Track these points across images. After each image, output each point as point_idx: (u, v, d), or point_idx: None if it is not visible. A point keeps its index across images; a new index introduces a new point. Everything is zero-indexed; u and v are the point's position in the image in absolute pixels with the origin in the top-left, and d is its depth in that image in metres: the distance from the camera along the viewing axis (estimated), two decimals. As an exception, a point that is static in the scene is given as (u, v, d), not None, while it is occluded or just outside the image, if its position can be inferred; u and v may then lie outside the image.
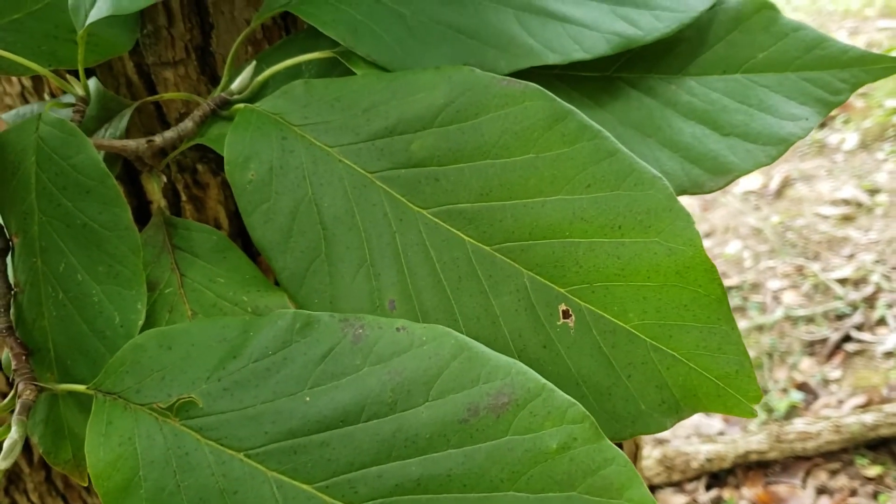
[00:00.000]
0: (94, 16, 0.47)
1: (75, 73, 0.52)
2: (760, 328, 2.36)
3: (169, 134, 0.50)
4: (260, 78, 0.51)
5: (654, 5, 0.49)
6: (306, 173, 0.45)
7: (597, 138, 0.43)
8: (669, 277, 0.42)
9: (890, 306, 2.30)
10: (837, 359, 2.23)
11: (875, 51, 0.53)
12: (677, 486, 2.03)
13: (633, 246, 0.42)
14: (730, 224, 2.76)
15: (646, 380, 0.42)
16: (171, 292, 0.48)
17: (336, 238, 0.44)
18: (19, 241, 0.47)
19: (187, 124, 0.50)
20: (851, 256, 2.50)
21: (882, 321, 2.28)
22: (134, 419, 0.41)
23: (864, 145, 2.92)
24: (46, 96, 0.62)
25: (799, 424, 2.03)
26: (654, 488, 2.01)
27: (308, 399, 0.40)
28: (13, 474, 0.75)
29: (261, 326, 0.41)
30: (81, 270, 0.46)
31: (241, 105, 0.48)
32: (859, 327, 2.29)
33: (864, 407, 2.07)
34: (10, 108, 0.63)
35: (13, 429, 0.42)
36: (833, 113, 2.95)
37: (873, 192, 2.71)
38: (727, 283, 2.50)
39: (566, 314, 0.42)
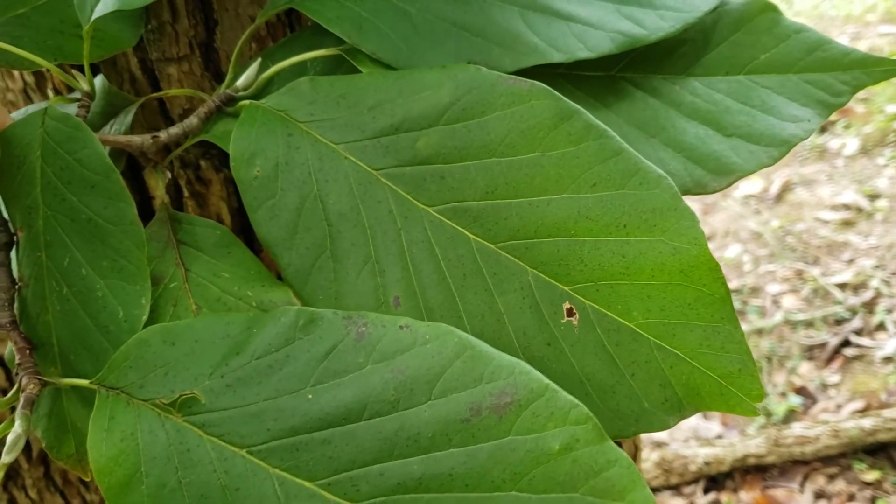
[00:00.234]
0: (99, 11, 0.47)
1: (80, 69, 0.52)
2: (760, 332, 2.36)
3: (174, 130, 0.50)
4: (265, 75, 0.51)
5: (659, 5, 0.49)
6: (312, 170, 0.45)
7: (602, 137, 0.43)
8: (674, 276, 0.42)
9: (889, 311, 2.30)
10: (836, 363, 2.23)
11: (876, 55, 0.53)
12: (675, 489, 2.03)
13: (637, 245, 0.42)
14: (730, 228, 2.76)
15: (649, 378, 0.42)
16: (176, 287, 0.48)
17: (341, 235, 0.44)
18: (24, 236, 0.47)
19: (192, 121, 0.50)
20: (851, 261, 2.50)
21: (881, 326, 2.28)
22: (136, 414, 0.41)
23: (865, 150, 2.92)
24: (50, 92, 0.62)
25: (797, 428, 2.03)
26: (652, 491, 2.00)
27: (310, 396, 0.40)
28: (12, 470, 0.75)
29: (264, 323, 0.41)
30: (86, 265, 0.46)
31: (247, 102, 0.48)
32: (858, 332, 2.29)
33: (863, 412, 2.07)
34: (13, 103, 0.63)
35: (17, 423, 0.42)
36: (834, 118, 2.96)
37: (873, 197, 2.71)
38: (727, 286, 2.50)
39: (570, 312, 0.42)
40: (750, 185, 2.91)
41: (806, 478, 1.98)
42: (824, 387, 2.18)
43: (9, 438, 0.41)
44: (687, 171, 0.50)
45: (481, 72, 0.45)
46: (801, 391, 2.19)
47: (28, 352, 0.45)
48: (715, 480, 2.03)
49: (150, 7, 0.55)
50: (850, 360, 2.23)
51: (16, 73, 0.62)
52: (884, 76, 0.52)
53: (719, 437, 2.13)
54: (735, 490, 2.00)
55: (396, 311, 0.44)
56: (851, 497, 1.91)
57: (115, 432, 0.40)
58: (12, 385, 0.68)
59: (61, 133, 0.46)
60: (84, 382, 0.43)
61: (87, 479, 0.48)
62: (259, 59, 0.51)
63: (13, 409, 0.43)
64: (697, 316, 0.42)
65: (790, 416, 2.13)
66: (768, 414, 2.14)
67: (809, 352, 2.28)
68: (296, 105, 0.46)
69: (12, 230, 0.48)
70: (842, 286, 2.43)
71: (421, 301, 0.44)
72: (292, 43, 0.52)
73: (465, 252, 0.44)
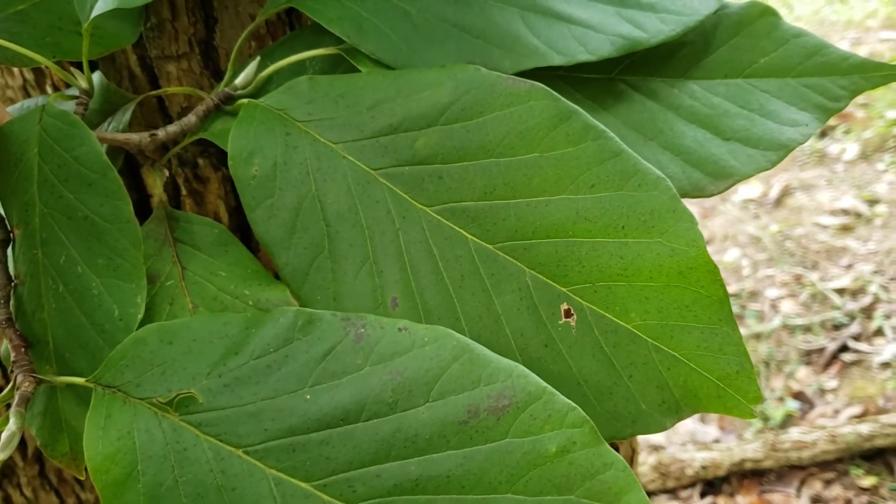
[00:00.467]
0: (99, 8, 0.47)
1: (78, 66, 0.52)
2: (758, 336, 2.36)
3: (172, 128, 0.50)
4: (264, 73, 0.51)
5: (660, 8, 0.49)
6: (310, 169, 0.45)
7: (601, 139, 0.43)
8: (672, 278, 0.42)
9: (887, 317, 2.30)
10: (834, 368, 2.23)
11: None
12: (672, 493, 2.03)
13: (636, 246, 0.42)
14: (729, 232, 2.76)
15: (647, 380, 0.42)
16: (173, 285, 0.48)
17: (339, 235, 0.44)
18: (20, 233, 0.47)
19: (191, 119, 0.50)
20: (850, 266, 2.50)
21: (879, 332, 2.28)
22: (133, 413, 0.40)
23: (865, 156, 2.93)
24: (49, 89, 0.61)
25: (794, 433, 2.02)
26: (648, 495, 2.00)
27: (308, 397, 0.40)
28: (7, 468, 0.75)
29: (263, 323, 0.41)
30: (82, 263, 0.46)
31: (245, 100, 0.48)
32: (856, 337, 2.29)
33: (860, 417, 2.07)
34: (13, 100, 0.63)
35: (11, 420, 0.42)
36: (833, 123, 2.96)
37: (873, 202, 2.71)
38: (725, 290, 2.50)
39: (568, 313, 0.42)
40: (749, 190, 2.91)
41: (803, 483, 1.98)
42: (822, 392, 2.18)
43: (3, 436, 0.41)
44: (685, 174, 0.50)
45: (481, 72, 0.45)
46: (798, 396, 2.19)
47: (23, 349, 0.45)
48: (712, 485, 2.03)
49: (149, 4, 0.55)
50: (847, 366, 2.23)
51: (15, 69, 0.62)
52: (882, 81, 0.52)
53: (716, 441, 2.13)
54: (732, 494, 1.99)
55: (394, 311, 0.44)
56: (848, 502, 1.91)
57: (112, 431, 0.40)
58: (7, 383, 0.68)
59: (59, 130, 0.46)
60: (80, 381, 0.43)
61: (82, 478, 0.48)
62: (258, 58, 0.51)
63: (8, 407, 0.43)
64: (695, 318, 0.42)
65: (787, 421, 2.13)
66: (766, 418, 2.13)
67: (807, 357, 2.28)
68: (294, 104, 0.46)
69: (8, 227, 0.48)
70: (840, 291, 2.43)
71: (419, 302, 0.43)
72: (292, 42, 0.52)
73: (463, 252, 0.43)
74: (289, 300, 0.46)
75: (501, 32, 0.48)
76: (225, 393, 0.40)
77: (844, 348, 2.28)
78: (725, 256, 2.67)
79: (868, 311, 2.34)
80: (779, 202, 2.84)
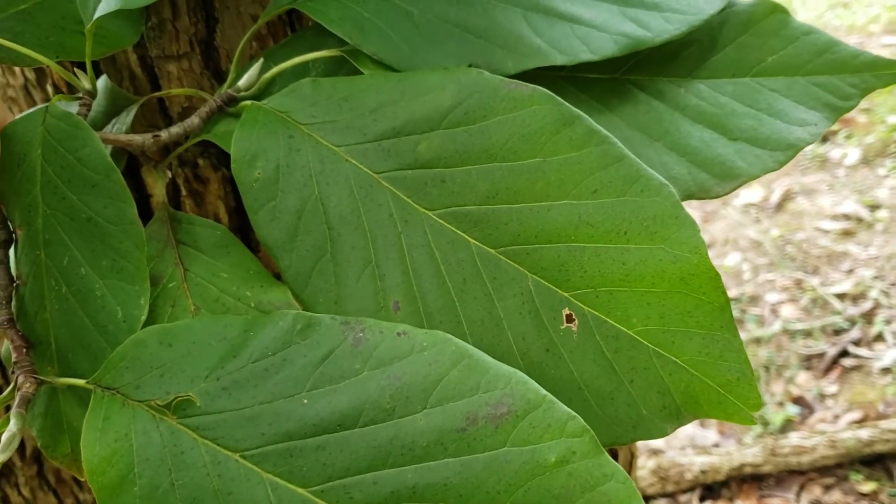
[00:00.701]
0: (102, 9, 0.47)
1: (80, 66, 0.52)
2: (758, 341, 2.36)
3: (175, 129, 0.50)
4: (267, 75, 0.51)
5: (664, 7, 0.49)
6: (313, 172, 0.45)
7: (604, 143, 0.43)
8: (674, 284, 0.42)
9: (888, 322, 2.30)
10: (834, 373, 2.23)
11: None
12: (671, 497, 2.03)
13: (638, 252, 0.42)
14: (730, 236, 2.76)
15: (648, 385, 0.42)
16: (175, 287, 0.48)
17: (342, 238, 0.44)
18: (23, 234, 0.47)
19: (194, 120, 0.50)
20: (851, 271, 2.50)
21: (880, 337, 2.28)
22: (131, 415, 0.40)
23: (866, 161, 2.93)
24: (49, 89, 0.61)
25: (794, 438, 2.02)
26: (647, 499, 2.00)
27: (306, 401, 0.39)
28: (5, 468, 0.75)
29: (262, 326, 0.41)
30: (85, 264, 0.46)
31: (249, 102, 0.48)
32: (857, 342, 2.29)
33: (860, 422, 2.07)
34: (14, 100, 0.63)
35: (12, 421, 0.42)
36: (835, 128, 2.96)
37: (874, 207, 2.71)
38: (726, 295, 2.49)
39: (570, 318, 0.42)
40: (750, 194, 2.90)
41: (802, 488, 1.97)
42: (822, 397, 2.18)
43: (4, 437, 0.41)
44: (691, 175, 0.50)
45: (484, 76, 0.44)
46: (798, 401, 2.18)
47: (25, 350, 0.45)
48: (711, 489, 2.03)
49: (150, 4, 0.55)
50: (848, 371, 2.22)
51: (17, 69, 0.62)
52: (893, 79, 0.51)
53: (716, 445, 2.13)
54: (731, 499, 1.99)
55: (396, 315, 0.43)
56: (847, 507, 1.91)
57: (110, 432, 0.40)
58: (8, 384, 0.68)
59: (62, 131, 0.46)
60: (80, 382, 0.43)
61: (83, 479, 0.48)
62: (261, 60, 0.51)
63: (8, 409, 0.43)
64: (697, 324, 0.42)
65: (787, 426, 2.13)
66: (765, 423, 2.13)
67: (807, 361, 2.28)
68: (297, 106, 0.46)
69: (11, 228, 0.48)
70: (841, 296, 2.43)
71: (421, 305, 0.43)
72: (294, 43, 0.52)
73: (466, 256, 0.43)
74: (290, 302, 0.46)
75: (504, 32, 0.48)
76: (223, 396, 0.40)
77: (845, 353, 2.27)
78: (726, 260, 2.67)
79: (869, 317, 2.34)
80: (780, 206, 2.84)
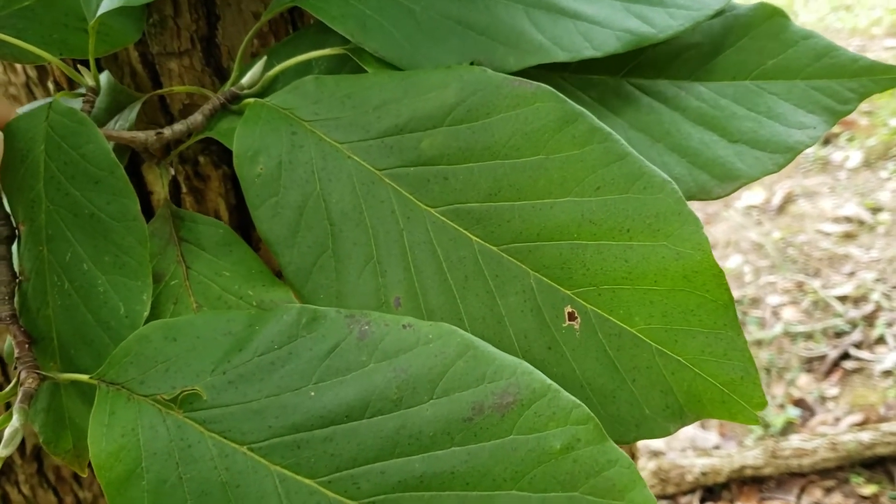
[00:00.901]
0: (105, 6, 0.47)
1: (83, 63, 0.52)
2: (759, 343, 2.36)
3: (178, 126, 0.50)
4: (271, 73, 0.51)
5: (668, 3, 0.49)
6: (315, 169, 0.45)
7: (607, 141, 0.43)
8: (677, 282, 0.42)
9: (889, 325, 2.30)
10: (835, 376, 2.23)
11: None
12: (672, 498, 2.03)
13: (640, 249, 0.42)
14: (731, 238, 2.76)
15: (650, 384, 0.42)
16: (177, 284, 0.48)
17: (343, 234, 0.44)
18: (26, 229, 0.47)
19: (197, 117, 0.50)
20: (852, 274, 2.50)
21: (881, 340, 2.28)
22: (137, 410, 0.40)
23: (868, 163, 2.93)
24: (51, 86, 0.62)
25: (795, 441, 2.02)
26: (649, 500, 1.99)
27: (313, 394, 0.40)
28: (5, 466, 0.75)
29: (267, 320, 0.41)
30: (88, 260, 0.46)
31: (252, 99, 0.48)
32: (858, 345, 2.29)
33: (861, 425, 2.07)
34: (15, 97, 0.63)
35: (14, 417, 0.42)
36: (837, 130, 2.96)
37: (876, 210, 2.71)
38: (727, 297, 2.49)
39: (572, 316, 0.42)
40: (752, 196, 2.91)
41: (803, 490, 1.97)
42: (823, 399, 2.18)
43: (6, 432, 0.41)
44: (691, 176, 0.50)
45: (487, 73, 0.45)
46: (799, 403, 2.18)
47: (27, 346, 0.45)
48: (711, 491, 2.03)
49: (152, 1, 0.55)
50: (849, 373, 2.22)
51: (18, 66, 0.62)
52: (891, 84, 0.52)
53: (717, 447, 2.13)
54: (731, 501, 1.99)
55: (397, 311, 0.44)
56: (848, 510, 1.90)
57: (116, 427, 0.40)
58: (9, 381, 0.68)
59: (66, 127, 0.46)
60: (84, 377, 0.43)
61: (84, 475, 0.48)
62: (264, 58, 0.51)
63: (9, 405, 0.43)
64: (700, 322, 0.42)
65: (788, 428, 2.13)
66: (766, 425, 2.13)
67: (808, 364, 2.28)
68: (300, 104, 0.46)
69: (14, 224, 0.48)
70: (842, 299, 2.43)
71: (422, 302, 0.43)
72: (297, 41, 0.52)
73: (468, 254, 0.43)
74: (292, 301, 0.47)
75: (506, 29, 0.48)
76: (229, 390, 0.40)
77: (846, 356, 2.27)
78: (728, 263, 2.67)
79: (870, 319, 2.34)
80: (781, 209, 2.84)
